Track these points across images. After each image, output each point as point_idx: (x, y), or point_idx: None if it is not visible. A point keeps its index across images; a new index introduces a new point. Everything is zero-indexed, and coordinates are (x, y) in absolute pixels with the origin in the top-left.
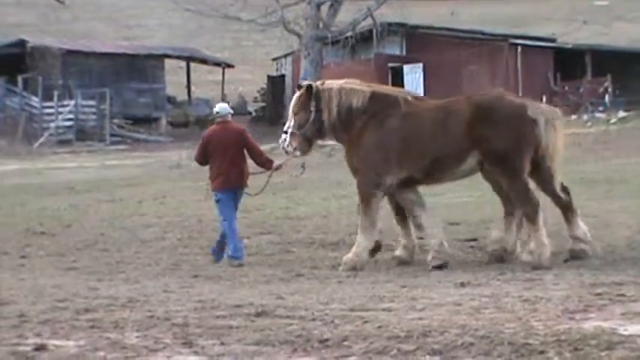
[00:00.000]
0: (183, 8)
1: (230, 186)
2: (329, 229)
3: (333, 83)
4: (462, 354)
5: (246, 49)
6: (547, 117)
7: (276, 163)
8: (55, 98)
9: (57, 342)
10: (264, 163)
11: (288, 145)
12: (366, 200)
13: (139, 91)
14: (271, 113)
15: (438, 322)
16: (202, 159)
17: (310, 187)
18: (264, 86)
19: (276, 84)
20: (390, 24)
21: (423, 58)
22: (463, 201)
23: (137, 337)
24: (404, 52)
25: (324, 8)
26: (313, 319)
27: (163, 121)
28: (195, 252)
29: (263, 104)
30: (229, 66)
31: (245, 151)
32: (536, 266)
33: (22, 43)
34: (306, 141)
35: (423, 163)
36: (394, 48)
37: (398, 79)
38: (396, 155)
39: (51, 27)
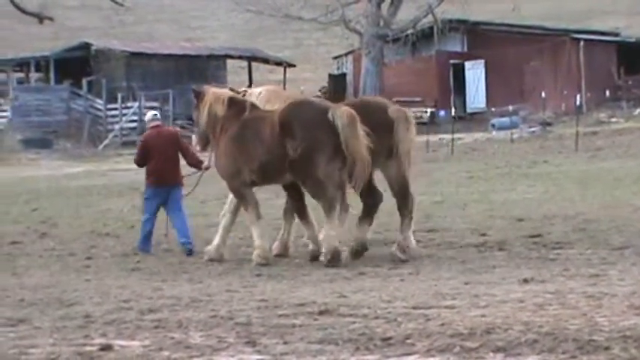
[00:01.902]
0: (244, 9)
1: (162, 184)
2: (391, 227)
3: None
4: (526, 351)
5: (308, 48)
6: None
7: (205, 163)
8: (119, 100)
9: (122, 342)
10: (196, 163)
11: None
12: (239, 199)
13: None
14: None
15: (501, 319)
16: (142, 161)
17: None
18: (326, 85)
19: (337, 82)
20: (451, 20)
21: (484, 54)
22: (527, 197)
23: (201, 336)
24: (465, 49)
25: (385, 6)
26: (376, 317)
27: None
28: None
29: None
30: (291, 65)
31: (178, 153)
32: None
33: (86, 47)
34: (203, 139)
35: (255, 167)
36: (455, 45)
37: (459, 76)
38: (238, 159)
39: (115, 30)
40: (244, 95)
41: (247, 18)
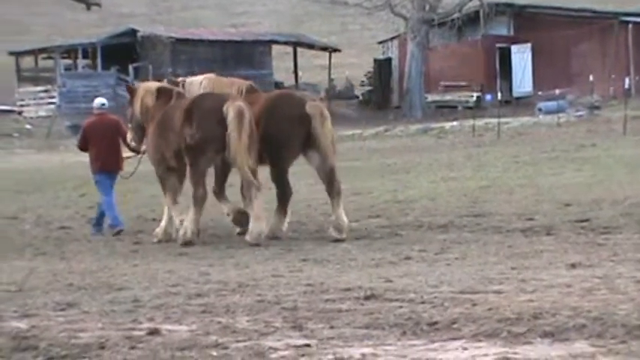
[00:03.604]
0: None
1: (107, 169)
2: (437, 212)
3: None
4: (574, 336)
5: (353, 33)
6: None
7: (143, 147)
8: None
9: (169, 326)
10: (135, 148)
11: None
12: (162, 185)
13: (247, 77)
14: (378, 97)
15: (549, 304)
16: (83, 146)
17: (419, 169)
18: (371, 70)
19: (382, 67)
20: (497, 4)
21: (531, 38)
22: (574, 181)
23: (247, 321)
24: (511, 33)
25: None
26: (422, 302)
27: None
28: (304, 237)
29: (370, 88)
30: (336, 50)
31: (120, 139)
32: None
33: (132, 33)
34: (138, 132)
35: (171, 153)
36: (501, 28)
37: (506, 60)
38: (161, 145)
39: (161, 16)
40: (183, 85)
41: (293, 3)
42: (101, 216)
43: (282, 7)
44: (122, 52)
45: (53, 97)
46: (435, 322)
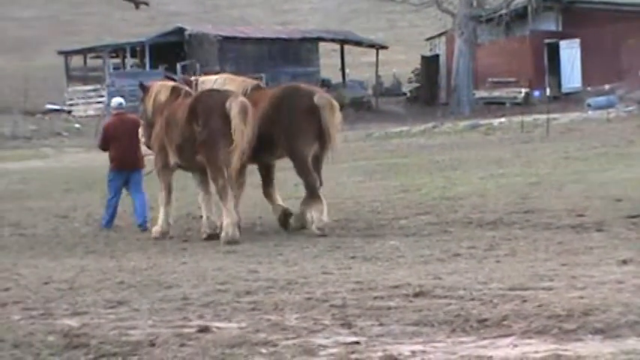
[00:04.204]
0: None
1: (124, 167)
2: (486, 209)
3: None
4: (626, 333)
5: (400, 29)
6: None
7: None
8: None
9: (219, 324)
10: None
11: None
12: (159, 178)
13: (294, 75)
14: (426, 93)
15: (599, 301)
16: (104, 145)
17: (468, 166)
18: (419, 67)
19: (430, 64)
20: (545, 0)
21: (580, 33)
22: (625, 177)
23: (297, 318)
24: (560, 28)
25: None
26: (472, 299)
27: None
28: (353, 234)
29: (417, 85)
30: (383, 47)
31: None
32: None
33: (180, 31)
34: (148, 129)
35: (174, 148)
36: (550, 24)
37: (554, 56)
38: (164, 140)
39: (208, 14)
40: (197, 83)
41: (340, 1)
42: (114, 211)
43: (329, 5)
44: (170, 51)
45: (102, 96)
46: (485, 319)
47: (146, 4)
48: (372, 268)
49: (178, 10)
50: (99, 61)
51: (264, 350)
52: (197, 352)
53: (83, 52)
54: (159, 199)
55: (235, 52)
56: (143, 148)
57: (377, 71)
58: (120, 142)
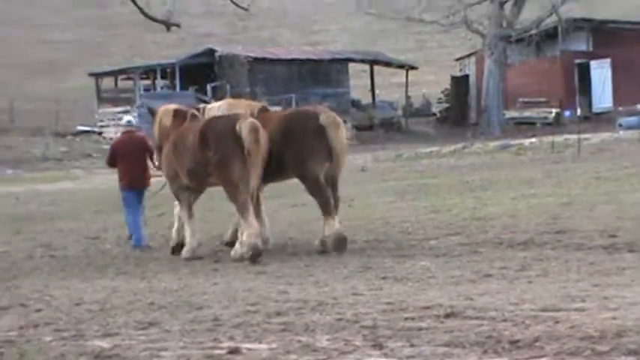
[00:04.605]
0: (365, 12)
1: (134, 186)
2: (517, 229)
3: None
4: None
5: (430, 50)
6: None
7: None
8: None
9: (250, 345)
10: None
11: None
12: (178, 200)
13: (324, 95)
14: (456, 114)
15: (632, 322)
16: (111, 162)
17: (499, 186)
18: (448, 87)
19: (460, 84)
20: (575, 19)
21: (610, 53)
22: None
23: (327, 339)
24: (590, 48)
25: (508, 6)
26: (503, 320)
27: (348, 125)
28: (384, 255)
29: (447, 105)
30: (413, 68)
31: (146, 156)
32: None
33: (210, 53)
34: (160, 152)
35: (185, 172)
36: (580, 44)
37: (585, 76)
38: (174, 164)
39: (238, 35)
40: (204, 111)
41: (369, 21)
42: (138, 228)
43: (358, 26)
44: (200, 72)
45: (133, 118)
46: (517, 341)
47: (177, 25)
48: (402, 288)
49: (208, 32)
50: (129, 83)
51: None
52: None
53: (114, 73)
54: (182, 218)
55: (265, 73)
56: (151, 167)
57: (407, 92)
58: (128, 160)
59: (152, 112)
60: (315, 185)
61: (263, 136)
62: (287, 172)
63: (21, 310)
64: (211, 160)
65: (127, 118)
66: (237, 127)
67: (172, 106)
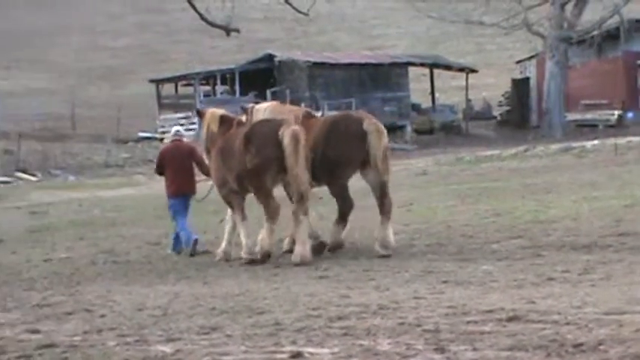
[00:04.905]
0: (425, 16)
1: (181, 193)
2: (580, 232)
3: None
4: None
5: (490, 53)
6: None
7: None
8: None
9: (312, 349)
10: (208, 173)
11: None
12: (228, 205)
13: (384, 99)
14: (517, 117)
15: None
16: (159, 170)
17: (561, 189)
18: (509, 90)
19: (520, 87)
20: (637, 20)
21: None
22: None
23: (389, 343)
24: None
25: (569, 7)
26: (567, 324)
27: (408, 129)
28: (445, 258)
29: (508, 108)
30: (473, 71)
31: (194, 164)
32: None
33: (270, 58)
34: (207, 156)
35: (233, 177)
36: None
37: None
38: (222, 169)
39: (297, 40)
40: (251, 111)
41: (428, 25)
42: (177, 237)
43: (418, 29)
44: (260, 78)
45: (193, 124)
46: (580, 344)
47: (237, 31)
48: (464, 292)
49: (268, 37)
50: (189, 89)
51: None
52: None
53: (174, 80)
54: (236, 221)
55: (325, 77)
56: (197, 175)
57: (467, 95)
58: (175, 168)
59: (200, 114)
60: (342, 191)
61: (303, 145)
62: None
63: (85, 315)
64: (249, 162)
65: (175, 128)
66: (280, 133)
67: (219, 112)
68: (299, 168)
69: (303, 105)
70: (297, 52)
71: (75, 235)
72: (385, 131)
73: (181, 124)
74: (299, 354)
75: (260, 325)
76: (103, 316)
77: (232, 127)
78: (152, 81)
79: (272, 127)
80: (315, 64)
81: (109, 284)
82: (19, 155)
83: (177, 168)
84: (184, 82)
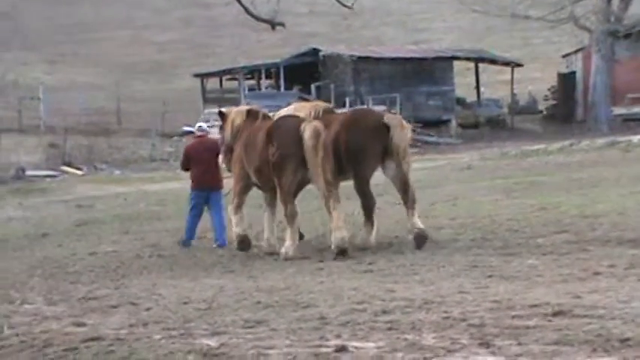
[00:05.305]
0: (470, 10)
1: (204, 187)
2: (626, 227)
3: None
4: None
5: (536, 47)
6: None
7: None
8: (347, 105)
9: (356, 343)
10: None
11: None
12: (235, 197)
13: (429, 94)
14: (562, 111)
15: None
16: (184, 165)
17: (606, 183)
18: (555, 84)
19: (566, 81)
20: None
21: None
22: None
23: (434, 337)
24: None
25: (615, 1)
26: (612, 318)
27: (453, 123)
28: (490, 253)
29: (554, 102)
30: (518, 65)
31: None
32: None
33: (314, 52)
34: (228, 155)
35: (253, 169)
36: None
37: None
38: (244, 162)
39: (342, 35)
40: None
41: (474, 19)
42: (193, 229)
43: (463, 23)
44: (304, 72)
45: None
46: (627, 339)
47: (282, 25)
48: (509, 287)
49: (313, 31)
50: (234, 83)
51: None
52: None
53: (219, 74)
54: (229, 213)
55: (369, 72)
56: (222, 170)
57: (512, 89)
58: (200, 163)
59: (222, 116)
60: (364, 186)
61: (323, 141)
62: (348, 170)
63: (131, 308)
64: (271, 157)
65: (199, 124)
66: (301, 129)
67: (245, 107)
68: (317, 163)
69: (347, 99)
70: (342, 47)
71: (120, 228)
72: (407, 125)
73: (207, 120)
74: (344, 348)
75: (305, 319)
76: (148, 309)
77: (257, 121)
78: (197, 75)
79: (294, 122)
80: (360, 58)
81: (154, 278)
82: (64, 149)
83: (202, 163)
84: (229, 77)
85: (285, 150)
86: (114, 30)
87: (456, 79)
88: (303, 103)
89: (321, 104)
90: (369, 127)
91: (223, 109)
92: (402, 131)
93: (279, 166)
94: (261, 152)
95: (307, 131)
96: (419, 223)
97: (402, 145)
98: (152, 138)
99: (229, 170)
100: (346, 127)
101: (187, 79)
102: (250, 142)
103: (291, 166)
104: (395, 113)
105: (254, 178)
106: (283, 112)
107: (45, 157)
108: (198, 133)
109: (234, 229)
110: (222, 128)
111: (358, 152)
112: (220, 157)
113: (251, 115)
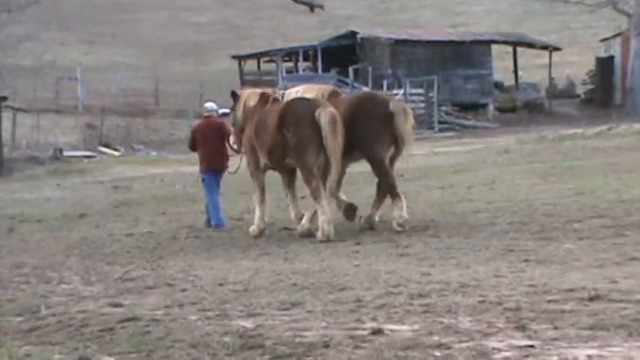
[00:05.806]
0: None
1: (212, 168)
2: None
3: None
4: None
5: (574, 31)
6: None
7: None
8: (385, 88)
9: (392, 326)
10: (236, 149)
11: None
12: (253, 179)
13: (466, 77)
14: (600, 95)
15: None
16: (192, 146)
17: None
18: (593, 68)
19: (604, 65)
20: None
21: None
22: None
23: (470, 321)
24: None
25: None
26: None
27: (491, 107)
28: (526, 237)
29: (592, 86)
30: (556, 49)
31: (225, 140)
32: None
33: (352, 35)
34: (240, 136)
35: (264, 151)
36: None
37: None
38: (255, 143)
39: (380, 17)
40: (283, 95)
41: (512, 2)
42: (218, 208)
43: (502, 7)
44: (342, 54)
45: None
46: None
47: (321, 7)
48: (545, 271)
49: (350, 14)
50: (272, 65)
51: (437, 353)
52: (370, 355)
53: (256, 56)
54: (254, 199)
55: (407, 55)
56: (228, 150)
57: (550, 73)
58: (207, 144)
59: (234, 96)
60: (382, 167)
61: (340, 127)
62: (355, 153)
63: (167, 289)
64: (289, 142)
65: (208, 104)
66: (317, 114)
67: (258, 90)
68: (337, 149)
69: (384, 82)
70: (380, 29)
71: (157, 209)
72: (410, 112)
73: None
74: (379, 330)
75: (341, 302)
76: (184, 290)
77: (267, 104)
78: (235, 57)
79: (308, 106)
80: (398, 41)
81: (190, 259)
82: (102, 130)
83: (209, 144)
84: (267, 59)
85: (303, 134)
86: (152, 11)
87: (494, 63)
88: (312, 85)
89: (328, 87)
90: (378, 114)
91: (233, 90)
92: (405, 119)
93: (299, 150)
94: (273, 134)
95: (324, 117)
96: (376, 218)
97: (404, 133)
98: (189, 119)
99: (238, 152)
100: (355, 113)
101: (225, 60)
102: (261, 124)
103: (312, 149)
104: (397, 95)
105: (265, 160)
106: (292, 93)
107: (82, 137)
108: (206, 114)
109: (256, 220)
110: (233, 108)
111: (370, 137)
112: (231, 138)
113: (263, 98)
